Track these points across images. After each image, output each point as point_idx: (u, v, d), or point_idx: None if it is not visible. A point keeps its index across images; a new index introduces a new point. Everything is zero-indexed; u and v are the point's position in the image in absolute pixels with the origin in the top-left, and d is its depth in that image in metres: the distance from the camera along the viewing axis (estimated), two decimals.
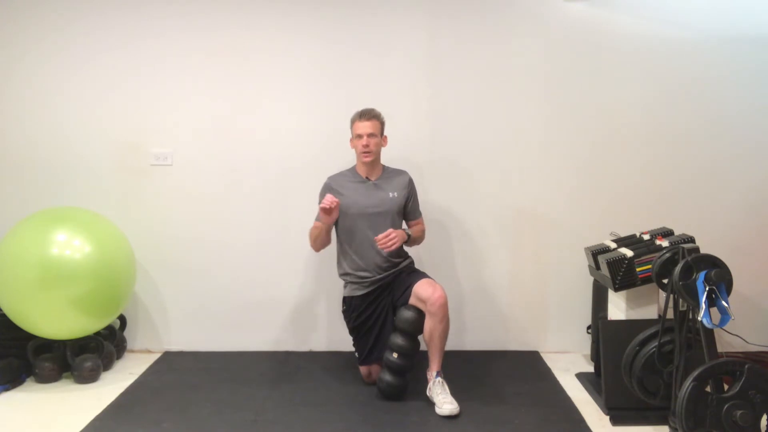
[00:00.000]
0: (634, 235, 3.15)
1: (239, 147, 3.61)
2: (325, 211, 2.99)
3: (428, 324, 2.95)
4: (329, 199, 2.98)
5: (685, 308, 2.53)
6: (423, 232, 3.32)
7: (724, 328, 2.45)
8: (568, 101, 3.57)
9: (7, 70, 3.57)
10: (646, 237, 3.06)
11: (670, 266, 2.59)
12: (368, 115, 3.12)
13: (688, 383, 2.29)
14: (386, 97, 3.48)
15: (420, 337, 3.04)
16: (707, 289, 2.41)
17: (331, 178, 3.22)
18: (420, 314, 3.00)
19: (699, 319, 2.43)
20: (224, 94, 3.58)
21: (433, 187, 3.61)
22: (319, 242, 3.18)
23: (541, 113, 3.58)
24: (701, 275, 2.43)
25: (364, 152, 3.11)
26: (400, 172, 3.28)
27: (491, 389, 3.17)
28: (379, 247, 3.02)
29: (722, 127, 3.56)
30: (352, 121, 3.17)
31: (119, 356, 3.58)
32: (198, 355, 3.66)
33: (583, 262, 3.38)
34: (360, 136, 3.11)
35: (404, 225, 3.28)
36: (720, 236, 3.46)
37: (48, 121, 3.59)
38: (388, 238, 3.00)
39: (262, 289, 3.69)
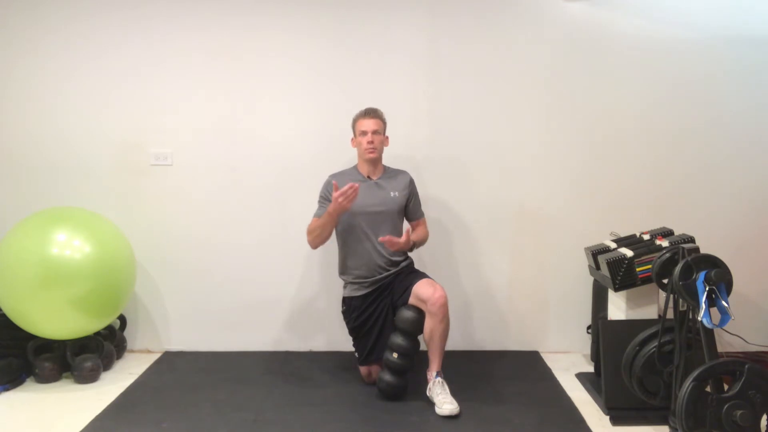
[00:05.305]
0: (634, 235, 3.15)
1: (239, 147, 3.61)
2: (345, 198, 2.89)
3: (428, 324, 2.95)
4: (349, 186, 2.89)
5: (685, 308, 2.53)
6: (426, 234, 3.29)
7: (724, 328, 2.45)
8: (568, 101, 3.57)
9: (8, 70, 3.57)
10: (646, 237, 3.06)
11: (670, 266, 2.59)
12: (372, 113, 3.14)
13: (688, 383, 2.29)
14: (386, 96, 3.48)
15: (420, 337, 3.04)
16: (707, 289, 2.41)
17: (333, 176, 3.21)
18: (420, 314, 3.00)
19: (699, 319, 2.43)
20: (224, 94, 3.58)
21: (433, 186, 3.61)
22: (320, 238, 3.10)
23: (540, 112, 3.58)
24: (701, 275, 2.43)
25: (369, 149, 3.11)
26: (401, 172, 3.29)
27: (491, 389, 3.17)
28: (381, 240, 3.03)
29: (722, 127, 3.56)
30: (355, 120, 3.17)
31: (119, 356, 3.58)
32: (198, 355, 3.66)
33: (583, 262, 3.38)
34: (364, 133, 3.11)
35: (406, 225, 3.28)
36: (720, 236, 3.46)
37: (48, 121, 3.59)
38: (393, 246, 3.02)
39: (262, 289, 3.69)
